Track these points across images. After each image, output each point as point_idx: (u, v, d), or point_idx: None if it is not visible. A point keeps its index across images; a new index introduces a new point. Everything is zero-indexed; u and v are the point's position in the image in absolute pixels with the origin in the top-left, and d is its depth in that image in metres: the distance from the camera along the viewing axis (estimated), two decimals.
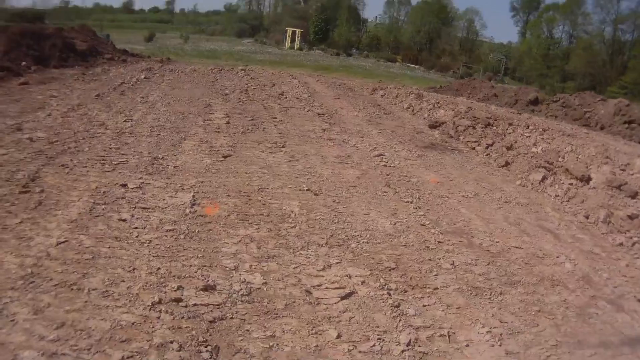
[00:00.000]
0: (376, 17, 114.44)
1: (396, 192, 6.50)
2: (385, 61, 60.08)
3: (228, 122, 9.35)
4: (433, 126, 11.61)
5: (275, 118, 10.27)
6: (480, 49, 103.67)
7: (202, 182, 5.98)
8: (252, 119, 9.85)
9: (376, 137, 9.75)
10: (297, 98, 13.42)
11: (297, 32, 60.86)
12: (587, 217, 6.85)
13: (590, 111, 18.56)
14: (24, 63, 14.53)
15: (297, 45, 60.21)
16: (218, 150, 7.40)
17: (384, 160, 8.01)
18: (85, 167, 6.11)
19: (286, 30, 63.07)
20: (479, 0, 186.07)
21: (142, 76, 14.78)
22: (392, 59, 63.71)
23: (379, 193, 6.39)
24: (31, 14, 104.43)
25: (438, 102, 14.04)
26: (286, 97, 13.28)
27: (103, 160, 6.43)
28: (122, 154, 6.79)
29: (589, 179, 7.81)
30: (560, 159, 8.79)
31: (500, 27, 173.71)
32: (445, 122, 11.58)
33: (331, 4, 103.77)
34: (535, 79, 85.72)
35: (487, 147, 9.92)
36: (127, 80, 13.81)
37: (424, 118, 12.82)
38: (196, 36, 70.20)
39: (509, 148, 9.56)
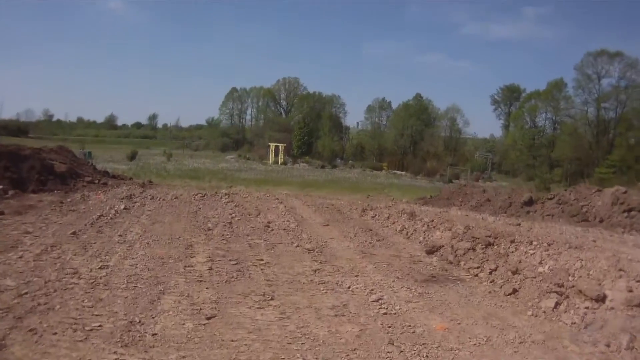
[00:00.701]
0: (357, 123, 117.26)
1: (401, 351, 5.77)
2: (371, 170, 60.63)
3: (211, 269, 8.67)
4: (430, 252, 11.01)
5: (262, 260, 9.55)
6: (464, 147, 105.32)
7: (183, 357, 5.27)
8: (236, 263, 9.16)
9: (372, 275, 9.05)
10: (284, 229, 12.86)
11: (280, 147, 61.67)
12: (608, 346, 6.21)
13: (587, 204, 18.23)
14: (1, 187, 14.49)
15: (281, 159, 60.83)
16: (200, 309, 6.70)
17: (383, 306, 7.29)
18: (56, 333, 5.55)
19: (269, 146, 63.91)
20: (460, 97, 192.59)
21: (122, 206, 14.39)
22: (378, 167, 64.32)
23: (383, 354, 5.66)
24: (15, 127, 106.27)
25: (432, 221, 13.56)
26: (272, 230, 12.71)
27: (75, 324, 5.83)
28: (96, 315, 6.16)
29: (604, 298, 7.22)
30: (570, 278, 8.19)
31: (482, 121, 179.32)
32: (443, 246, 11.02)
33: (313, 115, 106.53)
34: (523, 170, 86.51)
35: (490, 273, 9.31)
36: (105, 212, 13.42)
37: (420, 242, 12.25)
38: (180, 152, 71.04)
39: (515, 272, 8.96)
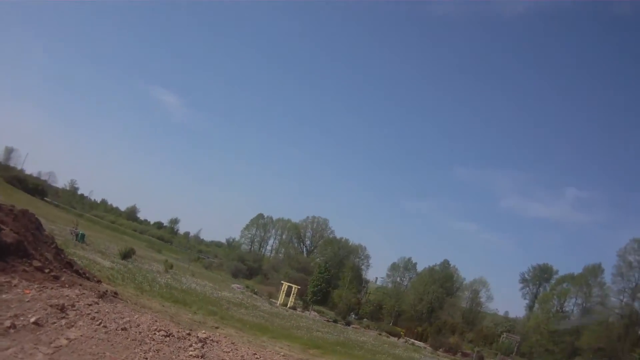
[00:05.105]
0: (377, 278, 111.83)
1: None
2: (387, 336, 53.33)
3: None
4: None
5: None
6: (482, 322, 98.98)
7: None
8: None
9: None
10: None
11: (293, 288, 54.98)
12: None
13: None
14: None
15: (291, 302, 54.09)
16: None
17: None
18: None
19: (282, 284, 57.43)
20: (487, 270, 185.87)
21: (33, 318, 9.15)
22: (395, 333, 57.09)
23: None
24: (34, 185, 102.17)
25: None
26: None
27: None
28: None
29: None
30: None
31: (504, 297, 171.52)
32: None
33: (335, 261, 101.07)
34: (541, 355, 79.78)
35: None
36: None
37: None
38: (186, 265, 64.57)
39: None
